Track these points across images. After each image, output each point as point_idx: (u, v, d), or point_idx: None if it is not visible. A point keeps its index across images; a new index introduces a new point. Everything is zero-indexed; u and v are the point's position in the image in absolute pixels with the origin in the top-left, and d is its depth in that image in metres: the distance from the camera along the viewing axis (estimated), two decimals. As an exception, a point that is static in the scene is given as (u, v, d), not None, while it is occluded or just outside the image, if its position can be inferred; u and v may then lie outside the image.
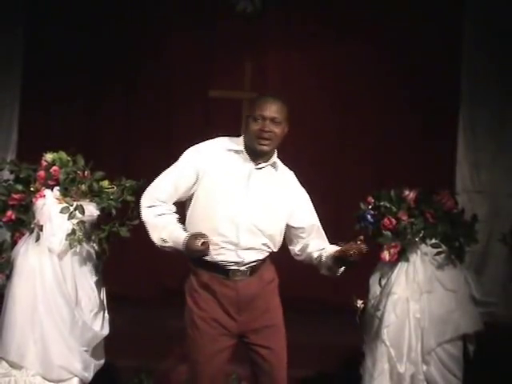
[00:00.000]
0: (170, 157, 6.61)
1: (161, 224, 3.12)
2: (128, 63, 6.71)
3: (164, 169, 6.53)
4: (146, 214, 3.16)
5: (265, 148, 3.07)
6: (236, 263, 3.10)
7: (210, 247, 3.05)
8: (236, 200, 3.08)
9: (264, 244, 3.12)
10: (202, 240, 3.01)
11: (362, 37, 6.63)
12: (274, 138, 3.06)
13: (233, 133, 6.46)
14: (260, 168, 3.13)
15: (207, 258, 3.08)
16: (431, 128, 6.63)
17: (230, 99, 6.72)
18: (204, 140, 6.67)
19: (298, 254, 3.28)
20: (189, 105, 6.77)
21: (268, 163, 3.15)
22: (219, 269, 3.10)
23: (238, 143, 3.17)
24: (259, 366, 3.18)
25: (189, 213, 3.16)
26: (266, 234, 3.12)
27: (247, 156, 3.13)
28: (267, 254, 3.18)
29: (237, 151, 3.14)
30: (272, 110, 3.05)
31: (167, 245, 3.10)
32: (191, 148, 3.26)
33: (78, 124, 6.66)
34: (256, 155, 3.12)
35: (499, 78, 6.46)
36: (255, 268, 3.14)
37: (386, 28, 6.57)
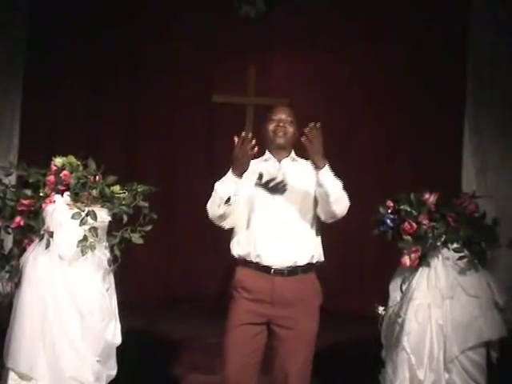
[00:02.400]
0: (173, 162, 6.73)
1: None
2: (131, 68, 6.67)
3: (167, 173, 6.62)
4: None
5: (281, 140, 3.62)
6: (275, 261, 3.46)
7: (251, 243, 3.49)
8: (268, 196, 3.52)
9: (299, 237, 3.48)
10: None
11: (367, 40, 6.62)
12: (287, 133, 3.62)
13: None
14: (283, 162, 3.63)
15: (246, 257, 3.52)
16: (437, 132, 6.60)
17: (233, 104, 6.70)
18: (208, 143, 6.78)
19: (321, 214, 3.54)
20: (192, 110, 6.77)
21: (288, 157, 3.66)
22: (259, 267, 3.49)
23: (265, 155, 3.70)
24: (274, 351, 3.49)
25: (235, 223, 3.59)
26: (299, 226, 3.49)
27: (274, 158, 3.66)
28: (308, 257, 3.51)
29: (266, 159, 3.68)
30: (283, 112, 3.66)
31: (222, 194, 3.39)
32: None
33: (79, 128, 6.64)
34: (278, 150, 3.64)
35: (505, 81, 6.42)
36: (295, 270, 3.49)
37: (391, 30, 6.56)
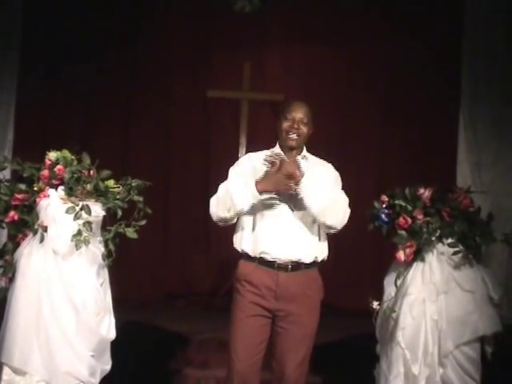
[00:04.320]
0: (169, 157, 6.72)
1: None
2: (126, 63, 6.64)
3: (162, 169, 6.61)
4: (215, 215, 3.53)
5: (293, 143, 3.54)
6: (279, 257, 3.46)
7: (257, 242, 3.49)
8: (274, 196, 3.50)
9: (303, 235, 3.48)
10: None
11: (363, 36, 6.60)
12: (301, 134, 3.53)
13: (231, 133, 6.56)
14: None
15: (250, 252, 3.50)
16: (432, 127, 6.61)
17: (228, 99, 6.67)
18: (203, 139, 6.78)
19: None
20: (187, 105, 6.74)
21: (299, 155, 3.59)
22: (263, 262, 3.49)
23: (275, 148, 3.65)
24: (275, 345, 3.51)
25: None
26: (304, 224, 3.49)
27: (284, 155, 3.56)
28: (312, 256, 3.51)
29: (276, 154, 3.58)
30: (301, 111, 3.54)
31: (237, 202, 3.39)
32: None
33: (75, 123, 6.63)
34: (288, 150, 3.57)
35: (500, 77, 6.43)
36: (299, 265, 3.49)
37: (386, 27, 6.55)
